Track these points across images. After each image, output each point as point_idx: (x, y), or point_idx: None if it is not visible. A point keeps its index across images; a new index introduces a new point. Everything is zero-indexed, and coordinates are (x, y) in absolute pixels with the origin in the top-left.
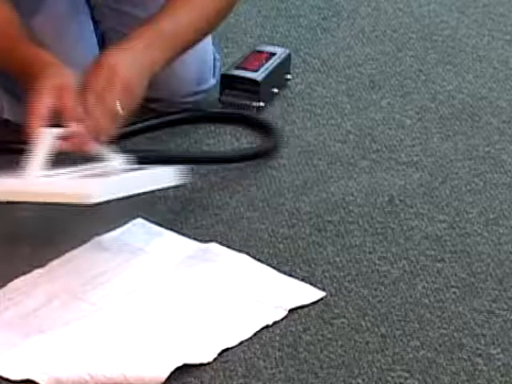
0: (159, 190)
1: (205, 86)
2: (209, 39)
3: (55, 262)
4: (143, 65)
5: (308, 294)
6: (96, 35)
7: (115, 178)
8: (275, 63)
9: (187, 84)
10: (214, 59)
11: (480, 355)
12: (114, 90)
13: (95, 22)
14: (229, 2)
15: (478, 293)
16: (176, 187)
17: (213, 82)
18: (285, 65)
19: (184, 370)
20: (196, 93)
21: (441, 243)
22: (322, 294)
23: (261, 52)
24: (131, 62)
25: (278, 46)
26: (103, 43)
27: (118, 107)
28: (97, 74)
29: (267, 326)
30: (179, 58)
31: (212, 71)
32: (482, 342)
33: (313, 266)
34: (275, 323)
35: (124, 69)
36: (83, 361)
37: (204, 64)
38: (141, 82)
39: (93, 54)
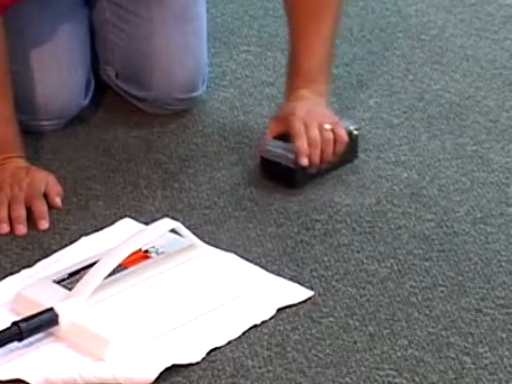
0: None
1: (197, 93)
2: (205, 46)
3: (43, 262)
4: (320, 93)
5: (296, 293)
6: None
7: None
8: None
9: (182, 88)
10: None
11: (468, 354)
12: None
13: (90, 14)
14: None
15: (466, 291)
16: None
17: (202, 89)
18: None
19: (172, 369)
20: (187, 99)
21: (428, 242)
22: (310, 293)
23: None
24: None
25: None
26: (93, 38)
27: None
28: (296, 118)
29: (255, 326)
30: (178, 64)
31: (203, 78)
32: (470, 340)
33: (301, 265)
34: (263, 322)
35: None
36: (73, 361)
37: (200, 71)
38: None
39: (84, 51)
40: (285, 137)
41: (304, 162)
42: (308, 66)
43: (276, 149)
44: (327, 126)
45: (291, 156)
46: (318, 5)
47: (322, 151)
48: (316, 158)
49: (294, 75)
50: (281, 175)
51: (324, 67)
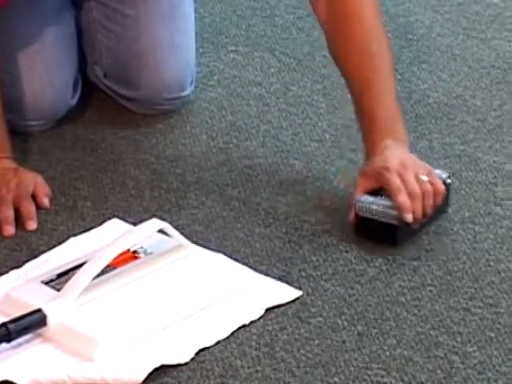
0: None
1: (184, 93)
2: (193, 45)
3: (31, 263)
4: (402, 141)
5: (284, 293)
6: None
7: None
8: None
9: (171, 88)
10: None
11: (456, 353)
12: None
13: (78, 14)
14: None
15: (454, 291)
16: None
17: (190, 89)
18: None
19: (161, 370)
20: (176, 98)
21: (417, 242)
22: (298, 293)
23: None
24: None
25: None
26: (81, 36)
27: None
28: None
29: (244, 326)
30: (166, 62)
31: (192, 78)
32: (459, 339)
33: (289, 265)
34: (252, 322)
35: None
36: (62, 362)
37: (188, 70)
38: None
39: (72, 51)
40: (375, 192)
41: (409, 218)
42: (382, 116)
43: (372, 206)
44: (424, 178)
45: (393, 213)
46: (370, 50)
47: (422, 204)
48: (419, 213)
49: (372, 129)
50: (382, 233)
51: (397, 112)
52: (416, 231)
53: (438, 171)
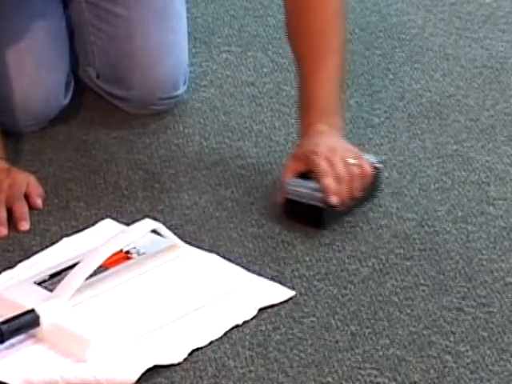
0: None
1: (177, 92)
2: (186, 45)
3: (24, 264)
4: (336, 127)
5: (278, 293)
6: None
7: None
8: None
9: (164, 87)
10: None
11: (449, 353)
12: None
13: (69, 15)
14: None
15: (447, 290)
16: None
17: (184, 88)
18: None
19: (154, 370)
20: (169, 98)
21: (410, 241)
22: (291, 293)
23: None
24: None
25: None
26: (73, 37)
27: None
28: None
29: (237, 326)
30: (158, 61)
31: (185, 78)
32: (451, 339)
33: (282, 265)
34: (245, 323)
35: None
36: (55, 362)
37: (180, 69)
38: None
39: (63, 51)
40: (305, 175)
41: (333, 200)
42: (321, 100)
43: (300, 188)
44: (352, 161)
45: (319, 195)
46: (324, 38)
47: (349, 187)
48: (345, 195)
49: (308, 110)
50: (307, 216)
51: (336, 99)
52: (343, 214)
53: (368, 156)
